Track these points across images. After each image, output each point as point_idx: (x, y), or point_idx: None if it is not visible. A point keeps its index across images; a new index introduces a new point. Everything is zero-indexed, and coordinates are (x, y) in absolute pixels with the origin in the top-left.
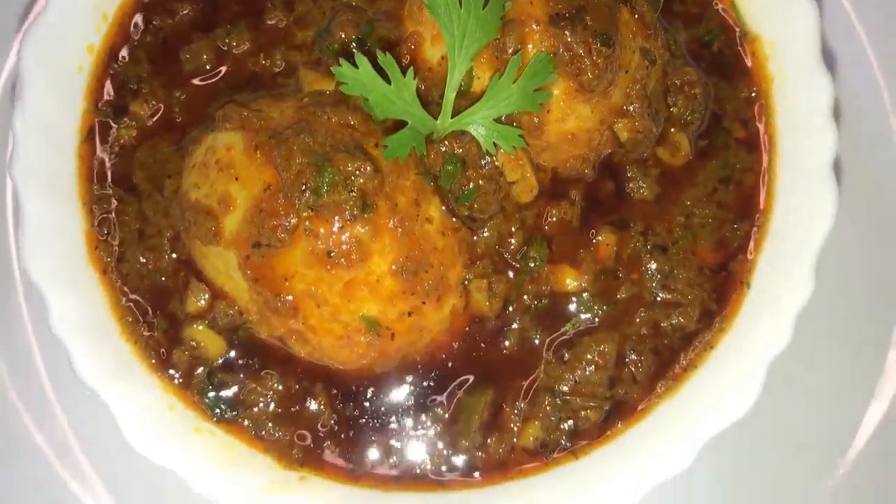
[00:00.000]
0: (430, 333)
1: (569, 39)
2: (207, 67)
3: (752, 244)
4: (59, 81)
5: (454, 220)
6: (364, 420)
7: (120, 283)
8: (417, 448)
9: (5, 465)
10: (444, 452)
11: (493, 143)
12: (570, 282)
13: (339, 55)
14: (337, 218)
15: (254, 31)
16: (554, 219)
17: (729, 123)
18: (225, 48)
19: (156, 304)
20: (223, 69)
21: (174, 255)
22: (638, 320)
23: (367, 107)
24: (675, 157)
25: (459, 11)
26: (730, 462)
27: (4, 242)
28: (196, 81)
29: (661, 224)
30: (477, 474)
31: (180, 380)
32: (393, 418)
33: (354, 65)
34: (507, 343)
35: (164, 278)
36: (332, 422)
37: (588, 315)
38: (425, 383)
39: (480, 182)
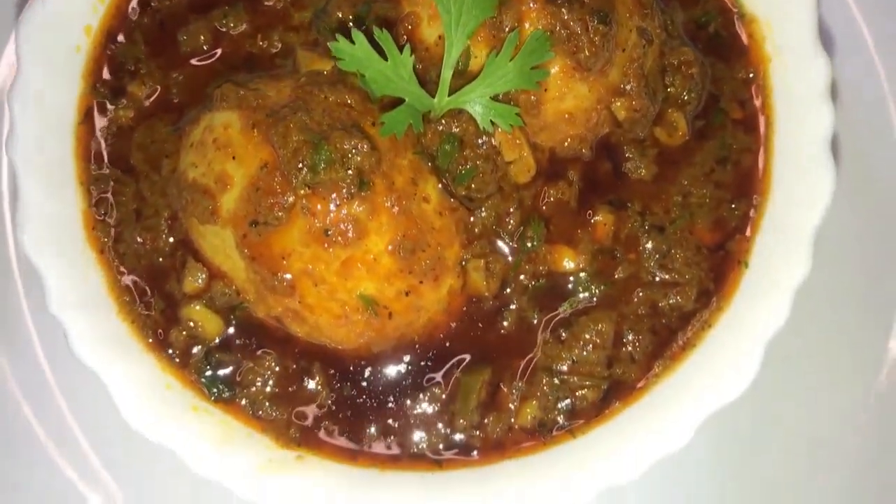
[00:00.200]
0: (428, 313)
1: (566, 17)
2: (204, 49)
3: (749, 224)
4: (56, 62)
5: (452, 199)
6: (362, 400)
7: (117, 263)
8: (415, 427)
9: (4, 450)
10: (442, 432)
11: (491, 121)
12: (568, 262)
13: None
14: (334, 196)
15: (251, 13)
16: (551, 199)
17: (726, 104)
18: (222, 29)
19: (153, 284)
20: (220, 50)
21: (171, 236)
22: (636, 300)
23: (364, 83)
24: (673, 137)
25: None
26: (728, 440)
27: (3, 238)
28: (193, 62)
29: (658, 204)
30: (475, 453)
31: (178, 359)
32: (391, 398)
33: (351, 41)
34: (504, 323)
35: (161, 258)
36: (330, 401)
37: (586, 295)
38: (423, 363)
39: (478, 162)
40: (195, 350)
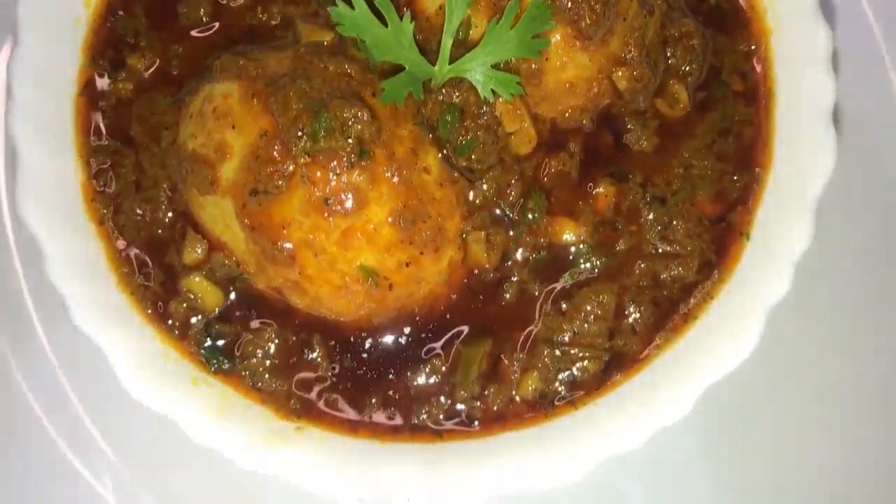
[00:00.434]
0: (429, 285)
1: None
2: (204, 21)
3: (751, 195)
4: (56, 34)
5: (452, 171)
6: (362, 371)
7: (116, 234)
8: (416, 399)
9: (3, 424)
10: (443, 403)
11: (491, 89)
12: (569, 234)
13: None
14: (334, 164)
15: None
16: (552, 170)
17: (727, 76)
18: (222, 2)
19: (153, 256)
20: (220, 23)
21: (171, 207)
22: (637, 271)
23: (365, 49)
24: (674, 108)
25: None
26: (728, 410)
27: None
28: (193, 35)
29: (659, 175)
30: (476, 424)
31: (177, 331)
32: (391, 369)
33: (351, 6)
34: (505, 295)
35: (160, 230)
36: (330, 373)
37: (587, 266)
38: (423, 335)
39: (479, 133)
40: (195, 321)
